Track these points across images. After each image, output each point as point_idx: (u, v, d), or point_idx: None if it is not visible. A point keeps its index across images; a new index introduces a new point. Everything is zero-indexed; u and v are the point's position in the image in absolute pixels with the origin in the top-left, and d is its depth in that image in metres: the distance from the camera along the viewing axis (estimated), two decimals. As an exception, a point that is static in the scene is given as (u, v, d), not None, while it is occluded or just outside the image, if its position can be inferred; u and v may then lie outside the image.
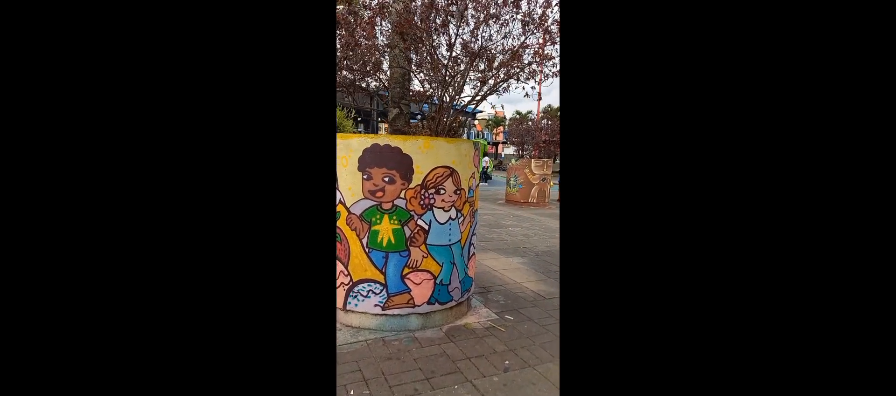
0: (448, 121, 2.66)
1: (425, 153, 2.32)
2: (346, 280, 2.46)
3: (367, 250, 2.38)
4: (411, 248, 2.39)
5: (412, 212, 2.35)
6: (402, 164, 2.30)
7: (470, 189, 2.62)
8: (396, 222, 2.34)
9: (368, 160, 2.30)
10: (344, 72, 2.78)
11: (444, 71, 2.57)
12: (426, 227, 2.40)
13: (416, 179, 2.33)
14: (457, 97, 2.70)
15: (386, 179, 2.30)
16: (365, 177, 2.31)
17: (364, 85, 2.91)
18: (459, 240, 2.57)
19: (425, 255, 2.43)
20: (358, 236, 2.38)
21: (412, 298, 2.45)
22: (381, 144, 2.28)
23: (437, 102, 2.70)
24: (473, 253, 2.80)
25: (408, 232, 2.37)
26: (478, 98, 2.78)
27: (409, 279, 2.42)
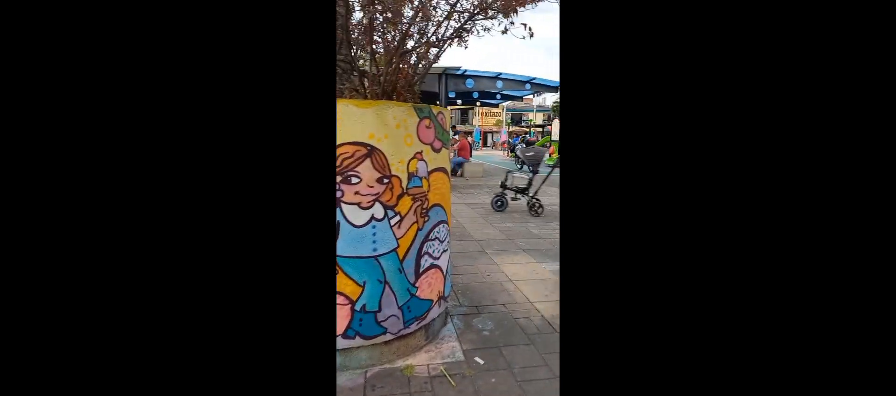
0: (387, 75, 1.87)
1: (322, 124, 1.60)
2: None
3: (261, 259, 1.77)
4: (314, 260, 1.71)
5: (310, 210, 1.66)
6: (289, 141, 1.61)
7: (414, 175, 1.82)
8: (290, 223, 1.68)
9: (251, 136, 1.66)
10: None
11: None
12: (333, 231, 1.69)
13: (313, 162, 1.62)
14: (405, 39, 1.88)
15: (271, 163, 1.64)
16: (250, 159, 1.69)
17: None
18: (395, 250, 1.80)
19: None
20: (253, 239, 1.78)
21: (321, 327, 1.78)
22: (261, 113, 1.62)
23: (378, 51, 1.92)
24: (432, 266, 2.00)
25: (307, 238, 1.69)
26: (445, 39, 1.93)
27: (314, 301, 1.75)
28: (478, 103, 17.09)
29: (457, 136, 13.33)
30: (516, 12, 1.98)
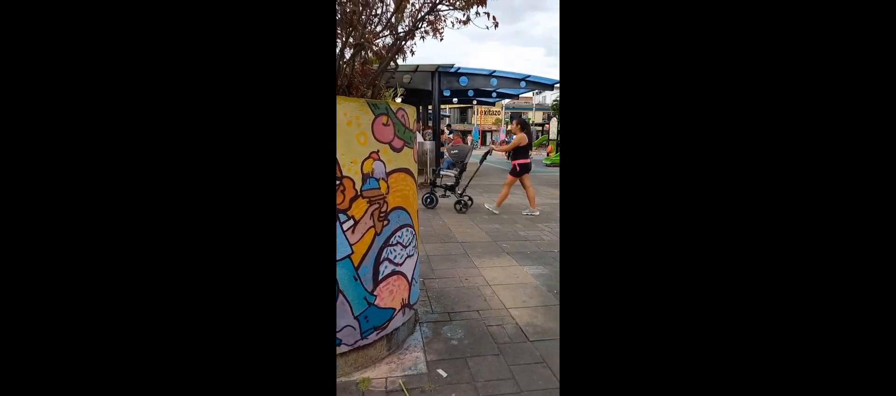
0: (341, 69, 1.75)
1: (264, 122, 1.49)
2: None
3: (206, 266, 1.66)
4: (259, 267, 1.59)
5: (254, 214, 1.55)
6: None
7: (370, 176, 1.71)
8: (233, 228, 1.57)
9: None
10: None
11: None
12: (280, 236, 1.57)
13: (255, 163, 1.51)
14: (362, 36, 1.76)
15: (211, 163, 1.53)
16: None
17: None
18: (348, 256, 1.69)
19: (282, 278, 1.61)
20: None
21: (270, 339, 1.67)
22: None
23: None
24: (394, 272, 1.89)
25: (251, 244, 1.57)
26: (401, 36, 1.81)
27: (261, 311, 1.64)
28: (475, 102, 16.96)
29: (451, 135, 13.19)
30: (484, 3, 1.87)
